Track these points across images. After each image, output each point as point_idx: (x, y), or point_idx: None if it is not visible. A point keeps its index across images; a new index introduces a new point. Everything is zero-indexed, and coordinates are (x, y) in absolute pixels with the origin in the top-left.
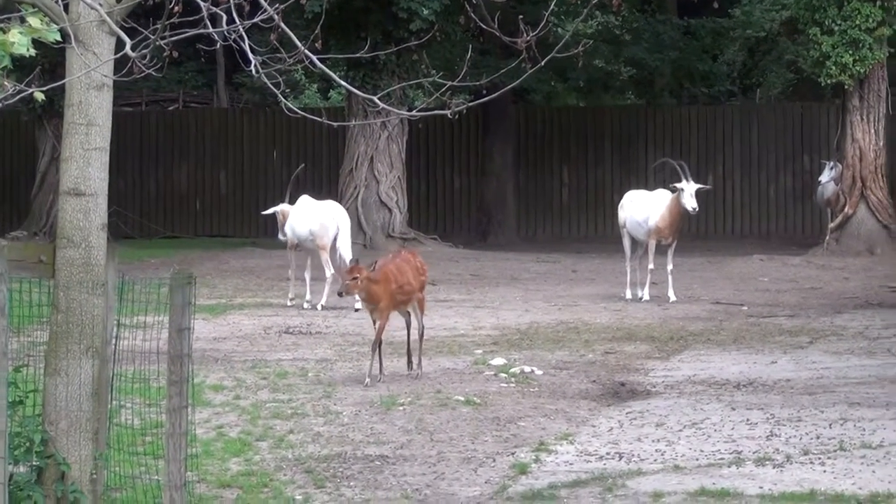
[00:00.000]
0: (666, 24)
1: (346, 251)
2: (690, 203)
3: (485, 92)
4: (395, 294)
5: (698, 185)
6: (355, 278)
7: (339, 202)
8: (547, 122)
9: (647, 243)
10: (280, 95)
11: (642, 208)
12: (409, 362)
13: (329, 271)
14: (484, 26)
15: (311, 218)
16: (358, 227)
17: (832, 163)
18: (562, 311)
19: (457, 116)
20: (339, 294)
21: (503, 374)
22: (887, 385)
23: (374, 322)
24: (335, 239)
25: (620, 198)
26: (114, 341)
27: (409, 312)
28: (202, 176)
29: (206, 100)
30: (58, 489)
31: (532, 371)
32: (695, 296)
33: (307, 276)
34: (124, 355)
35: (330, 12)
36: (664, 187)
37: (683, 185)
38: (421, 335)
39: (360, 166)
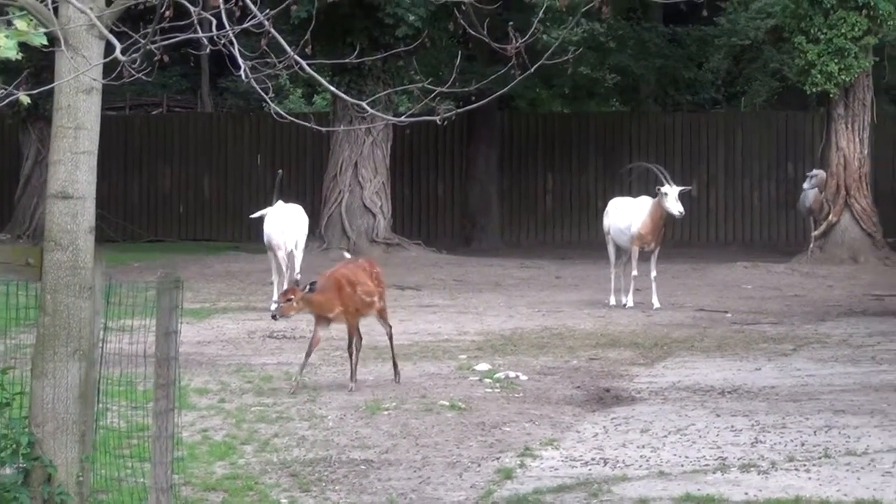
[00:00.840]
0: (651, 31)
1: (297, 257)
2: (676, 207)
3: (473, 99)
4: (353, 297)
5: (681, 188)
6: (289, 300)
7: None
8: (532, 129)
9: (631, 250)
10: (268, 100)
11: (625, 215)
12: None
13: (273, 275)
14: (473, 32)
15: (270, 222)
16: (342, 233)
17: (813, 171)
18: (546, 317)
19: (445, 122)
20: (273, 317)
21: (488, 380)
22: (871, 392)
23: (347, 330)
24: (293, 243)
25: (604, 204)
26: (100, 344)
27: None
28: (186, 180)
29: (190, 104)
30: (44, 491)
31: (517, 376)
32: (679, 303)
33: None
34: (110, 358)
35: (316, 18)
36: (646, 194)
37: (666, 188)
38: (391, 339)
39: (344, 171)
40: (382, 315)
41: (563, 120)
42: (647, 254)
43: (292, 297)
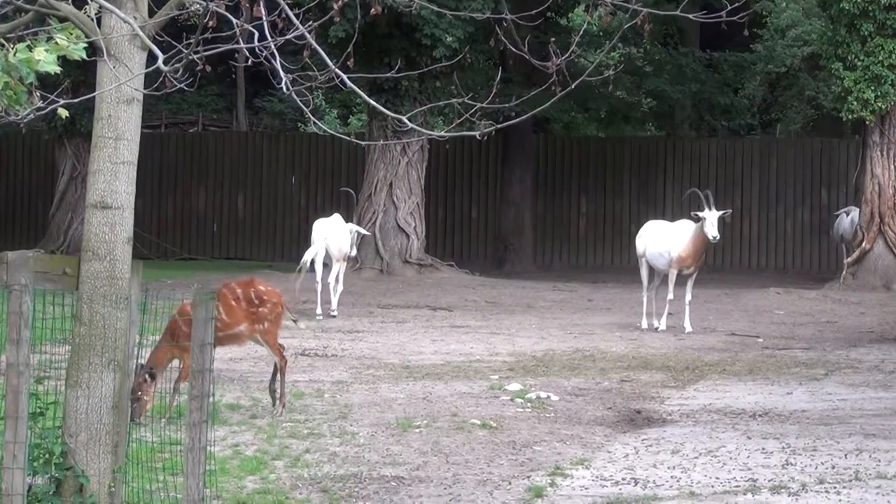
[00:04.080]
0: (688, 56)
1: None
2: (711, 231)
3: (514, 114)
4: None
5: (720, 213)
6: (140, 399)
7: None
8: (566, 152)
9: (669, 273)
10: (309, 113)
11: (664, 238)
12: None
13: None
14: (514, 49)
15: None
16: (375, 253)
17: (849, 208)
18: (578, 339)
19: (485, 138)
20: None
21: (519, 399)
22: None
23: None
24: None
25: (638, 228)
26: (134, 356)
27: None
28: (220, 199)
29: (225, 123)
30: (76, 501)
31: (548, 397)
32: (710, 327)
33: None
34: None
35: (354, 39)
36: (688, 217)
37: (706, 213)
38: (275, 372)
39: (378, 191)
40: (267, 340)
41: (598, 144)
42: (684, 278)
43: (143, 395)
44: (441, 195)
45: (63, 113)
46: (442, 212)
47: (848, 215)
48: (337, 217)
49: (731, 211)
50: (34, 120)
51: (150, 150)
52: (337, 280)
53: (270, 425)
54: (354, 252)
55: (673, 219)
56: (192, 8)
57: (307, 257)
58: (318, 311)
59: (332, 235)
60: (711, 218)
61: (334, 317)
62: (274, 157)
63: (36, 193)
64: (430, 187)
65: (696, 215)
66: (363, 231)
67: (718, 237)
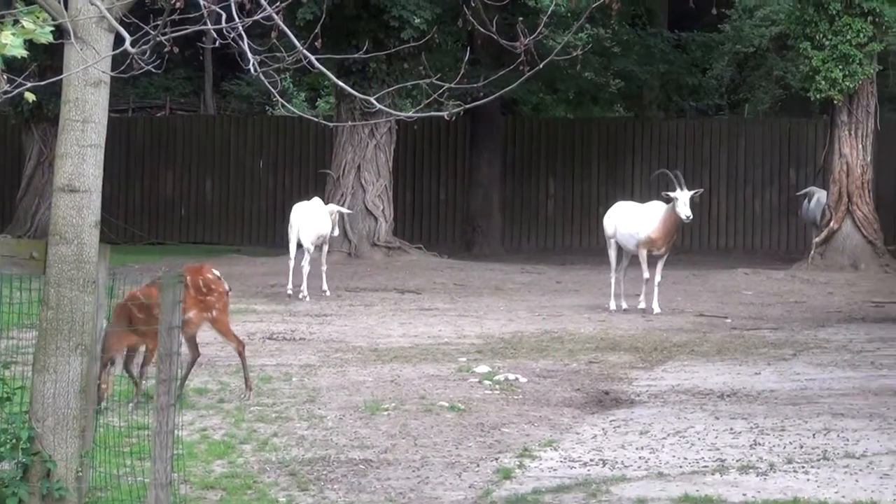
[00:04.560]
0: (656, 36)
1: (305, 242)
2: (684, 211)
3: (481, 95)
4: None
5: (691, 192)
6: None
7: None
8: (535, 134)
9: (639, 253)
10: (277, 95)
11: (634, 219)
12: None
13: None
14: (482, 29)
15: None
16: (343, 236)
17: (809, 189)
18: (546, 321)
19: (453, 118)
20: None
21: (487, 382)
22: (871, 396)
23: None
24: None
25: (606, 210)
26: (101, 340)
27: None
28: (188, 183)
29: (193, 107)
30: (43, 486)
31: (516, 379)
32: (679, 308)
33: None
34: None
35: (321, 20)
36: (657, 198)
37: (677, 193)
38: (241, 357)
39: (346, 174)
40: (219, 328)
41: (566, 125)
42: (655, 259)
43: (101, 383)
44: (409, 178)
45: (30, 97)
46: (410, 194)
47: (810, 201)
48: (316, 200)
49: (702, 190)
50: (0, 104)
51: (118, 135)
52: (321, 261)
53: (238, 409)
54: (337, 232)
55: (642, 200)
56: None
57: (304, 244)
58: (289, 289)
59: (308, 220)
60: (683, 198)
61: (326, 294)
62: (242, 141)
63: (2, 178)
64: (399, 170)
65: (667, 195)
66: (345, 210)
67: (691, 216)
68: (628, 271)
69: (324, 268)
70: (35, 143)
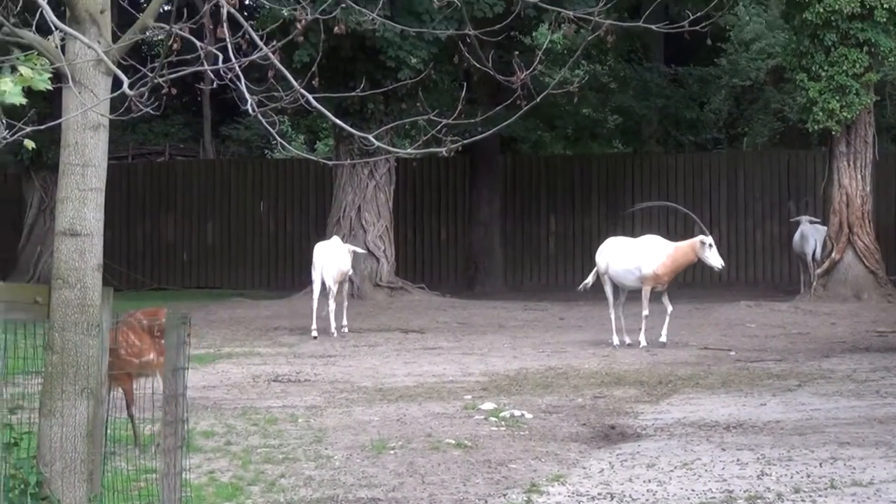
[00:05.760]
0: (653, 71)
1: (328, 281)
2: (718, 261)
3: (479, 130)
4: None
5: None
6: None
7: None
8: (534, 171)
9: (643, 290)
10: (275, 135)
11: (632, 255)
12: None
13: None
14: (477, 65)
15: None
16: None
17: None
18: (550, 358)
19: (451, 154)
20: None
21: (493, 418)
22: (876, 425)
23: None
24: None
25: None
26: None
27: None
28: (189, 228)
29: (192, 152)
30: None
31: (522, 415)
32: (683, 341)
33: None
34: (115, 402)
35: (318, 61)
36: (646, 233)
37: (709, 239)
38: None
39: (347, 215)
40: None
41: (565, 162)
42: (658, 293)
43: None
44: (410, 217)
45: (29, 144)
46: (411, 234)
47: (808, 231)
48: (336, 240)
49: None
50: (0, 152)
51: (118, 181)
52: (342, 297)
53: (245, 451)
54: (351, 271)
55: (642, 234)
56: (156, 31)
57: (328, 283)
58: (332, 329)
59: (332, 259)
60: (714, 245)
61: (345, 331)
62: (242, 185)
63: (4, 227)
64: (399, 210)
65: (702, 240)
66: (359, 250)
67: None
68: (628, 306)
69: (345, 304)
70: (36, 191)
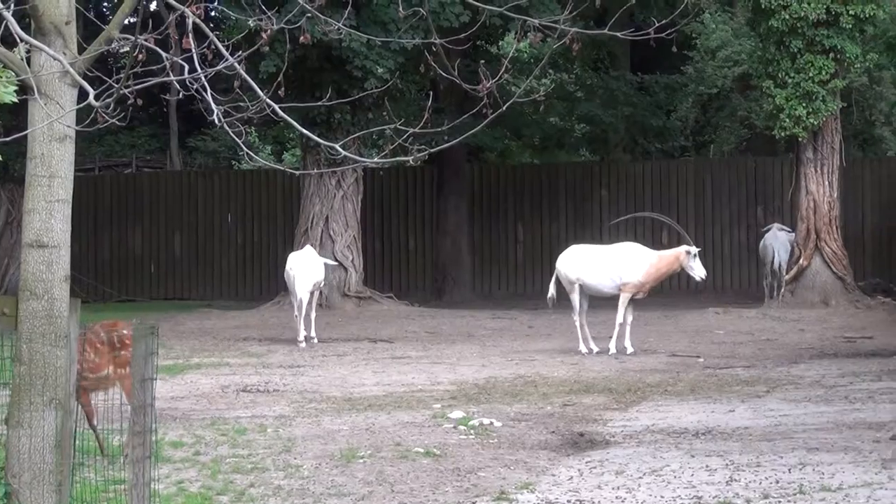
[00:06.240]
0: (619, 80)
1: (301, 292)
2: (701, 272)
3: (446, 138)
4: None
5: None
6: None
7: None
8: (501, 180)
9: (622, 297)
10: (241, 145)
11: (609, 263)
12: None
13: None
14: (444, 74)
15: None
16: None
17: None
18: (519, 366)
19: (418, 163)
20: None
21: (462, 427)
22: (845, 430)
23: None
24: (294, 283)
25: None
26: (75, 394)
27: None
28: (156, 239)
29: (159, 164)
30: None
31: (491, 423)
32: (651, 348)
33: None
34: (82, 413)
35: (284, 72)
36: (625, 239)
37: (694, 249)
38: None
39: (315, 226)
40: (126, 386)
41: (532, 171)
42: (634, 301)
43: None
44: (378, 227)
45: None
46: (379, 244)
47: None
48: (309, 249)
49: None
50: None
51: (85, 193)
52: (311, 307)
53: (214, 461)
54: (323, 282)
55: (610, 242)
56: (121, 42)
57: (300, 293)
58: (300, 338)
59: (305, 269)
60: (697, 255)
61: (314, 342)
62: (209, 196)
63: None
64: (367, 220)
65: (689, 250)
66: (331, 262)
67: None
68: (593, 313)
69: (313, 314)
70: (2, 203)
